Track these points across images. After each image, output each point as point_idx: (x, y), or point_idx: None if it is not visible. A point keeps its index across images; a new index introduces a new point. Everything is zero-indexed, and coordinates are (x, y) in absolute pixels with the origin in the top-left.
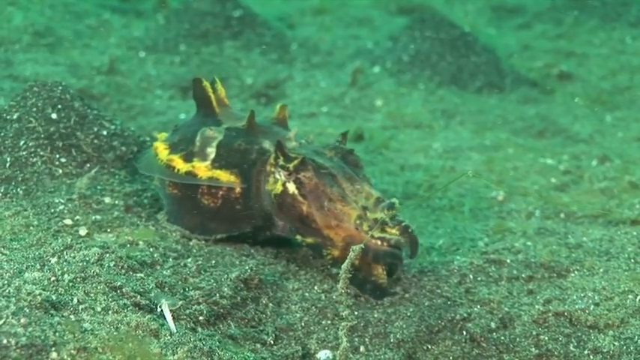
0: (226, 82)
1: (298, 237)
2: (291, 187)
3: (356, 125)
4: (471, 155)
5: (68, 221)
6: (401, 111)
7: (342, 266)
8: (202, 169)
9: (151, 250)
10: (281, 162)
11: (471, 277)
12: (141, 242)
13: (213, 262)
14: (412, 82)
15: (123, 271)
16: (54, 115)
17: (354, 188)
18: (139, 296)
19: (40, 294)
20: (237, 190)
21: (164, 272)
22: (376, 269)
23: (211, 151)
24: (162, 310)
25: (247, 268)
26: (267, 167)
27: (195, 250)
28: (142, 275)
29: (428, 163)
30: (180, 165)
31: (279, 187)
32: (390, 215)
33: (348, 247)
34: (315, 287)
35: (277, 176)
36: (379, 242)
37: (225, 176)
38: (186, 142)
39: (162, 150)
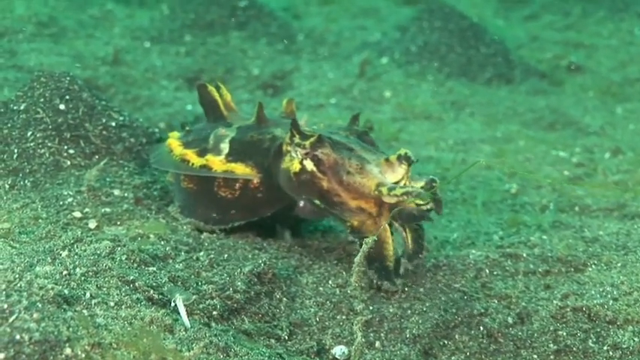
0: (232, 73)
1: (317, 202)
2: (309, 165)
3: (365, 116)
4: (482, 147)
5: (77, 214)
6: (410, 102)
7: (355, 259)
8: (217, 162)
9: (163, 243)
10: (297, 140)
11: (487, 271)
12: (152, 235)
13: (226, 255)
14: (421, 73)
15: (135, 264)
16: (62, 106)
17: (375, 158)
18: (152, 290)
19: (52, 288)
20: (256, 180)
21: (176, 266)
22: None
23: (225, 147)
24: (176, 305)
25: (260, 262)
26: (283, 147)
27: (207, 244)
28: (155, 269)
29: (439, 156)
30: (195, 159)
31: (296, 165)
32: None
33: (370, 218)
34: (330, 281)
35: (294, 154)
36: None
37: (240, 169)
38: (200, 140)
39: (176, 146)
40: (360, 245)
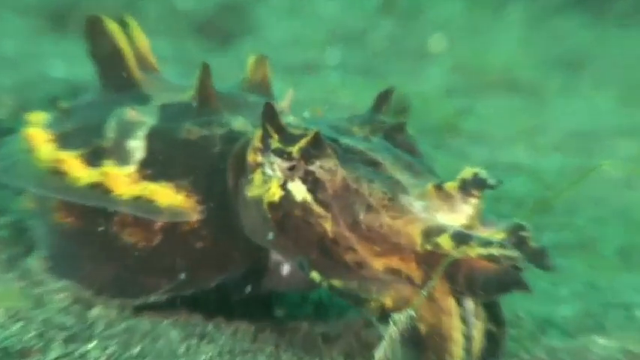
0: (140, 9)
1: (315, 275)
2: (299, 190)
3: (393, 88)
4: (616, 143)
5: None
6: (479, 59)
7: (377, 355)
8: (121, 180)
9: (20, 326)
10: (275, 144)
11: None
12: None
13: (138, 348)
14: (498, 3)
15: None
16: None
17: (418, 182)
18: None
19: None
20: (194, 216)
21: None
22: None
23: (137, 147)
24: None
25: None
26: (248, 156)
27: (101, 328)
28: None
29: (534, 163)
30: (80, 171)
31: (274, 192)
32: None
33: (412, 287)
34: None
35: (269, 171)
36: (477, 261)
37: (165, 195)
38: (89, 132)
39: (41, 143)
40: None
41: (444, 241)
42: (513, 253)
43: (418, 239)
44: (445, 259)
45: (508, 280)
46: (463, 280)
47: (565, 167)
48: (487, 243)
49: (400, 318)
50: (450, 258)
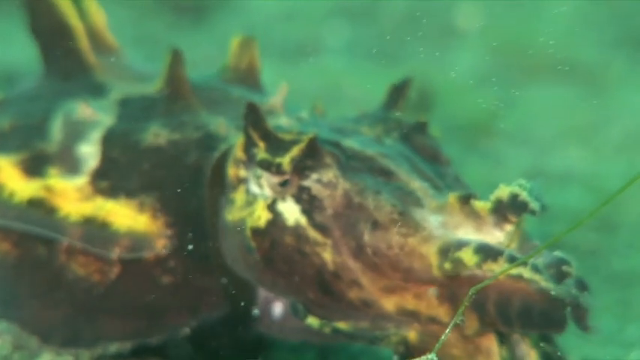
0: None
1: (313, 321)
2: (291, 211)
3: (412, 78)
4: None
5: None
6: (522, 38)
7: None
8: (70, 195)
9: None
10: (261, 154)
11: None
12: None
13: None
14: None
15: None
16: None
17: (434, 193)
18: None
19: None
20: (160, 243)
21: None
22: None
23: (90, 154)
24: None
25: None
26: (228, 171)
27: None
28: None
29: (591, 169)
30: (18, 183)
31: (260, 215)
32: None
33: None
34: None
35: (254, 188)
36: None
37: (125, 215)
38: (29, 132)
39: None
40: None
41: (467, 256)
42: (548, 283)
43: (434, 260)
44: (474, 282)
45: (554, 312)
46: (493, 307)
47: (631, 174)
48: (520, 262)
49: None
50: (485, 281)
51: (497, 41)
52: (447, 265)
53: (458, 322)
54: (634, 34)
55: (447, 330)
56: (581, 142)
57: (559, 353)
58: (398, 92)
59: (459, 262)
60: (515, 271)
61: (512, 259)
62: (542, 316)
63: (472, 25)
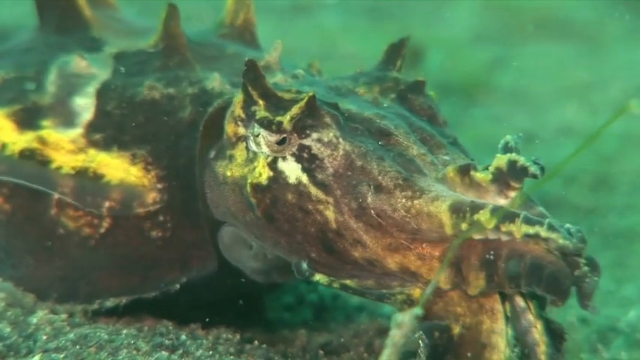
0: None
1: (321, 278)
2: (292, 169)
3: (408, 36)
4: None
5: None
6: None
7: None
8: (64, 147)
9: None
10: (261, 112)
11: None
12: None
13: None
14: None
15: None
16: None
17: (433, 159)
18: None
19: None
20: (151, 197)
21: None
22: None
23: (85, 106)
24: None
25: None
26: (226, 128)
27: (45, 338)
28: None
29: (589, 127)
30: (11, 134)
31: (261, 172)
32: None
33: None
34: None
35: (253, 146)
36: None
37: (117, 167)
38: (24, 85)
39: None
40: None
41: (485, 218)
42: (566, 239)
43: (447, 219)
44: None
45: (564, 275)
46: (504, 262)
47: (629, 132)
48: (537, 222)
49: (405, 318)
50: (470, 231)
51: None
52: (464, 226)
53: (437, 280)
54: None
55: (429, 287)
56: (578, 99)
57: (556, 322)
58: (395, 51)
59: (476, 224)
60: (532, 230)
61: (529, 221)
62: (551, 278)
63: None
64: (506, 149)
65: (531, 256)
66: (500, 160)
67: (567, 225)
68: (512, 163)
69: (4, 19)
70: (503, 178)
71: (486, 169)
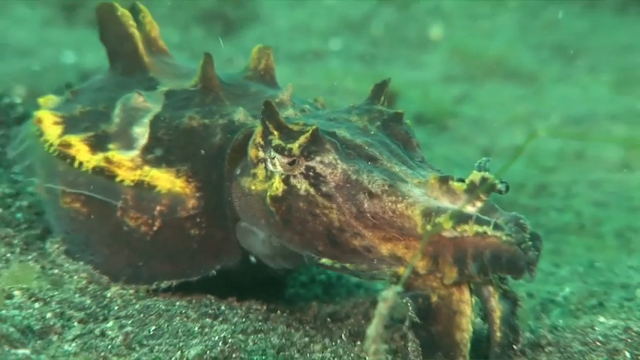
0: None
1: (326, 260)
2: (302, 184)
3: (393, 75)
4: (613, 128)
5: None
6: (477, 47)
7: (368, 331)
8: (125, 165)
9: (38, 306)
10: (275, 141)
11: (628, 355)
12: (17, 292)
13: (153, 328)
14: None
15: None
16: None
17: (415, 174)
18: None
19: None
20: (191, 203)
21: (66, 347)
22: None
23: (141, 133)
24: None
25: (216, 339)
26: (249, 152)
27: (117, 308)
28: (28, 353)
29: (532, 147)
30: (85, 155)
31: (277, 186)
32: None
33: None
34: None
35: (270, 167)
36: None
37: (166, 180)
38: (96, 116)
39: (49, 125)
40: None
41: (445, 221)
42: (510, 235)
43: (419, 220)
44: (442, 238)
45: (518, 258)
46: (471, 259)
47: (563, 151)
48: (485, 222)
49: (389, 294)
50: (433, 230)
51: (458, 50)
52: (429, 227)
53: (415, 262)
54: (562, 43)
55: (406, 271)
56: (524, 126)
57: (512, 291)
58: (379, 89)
59: (438, 225)
60: (481, 229)
61: (479, 221)
62: (509, 262)
63: (439, 37)
64: (480, 167)
65: (489, 250)
66: (475, 176)
67: (514, 213)
68: (484, 179)
69: (89, 63)
70: (475, 190)
71: (462, 180)
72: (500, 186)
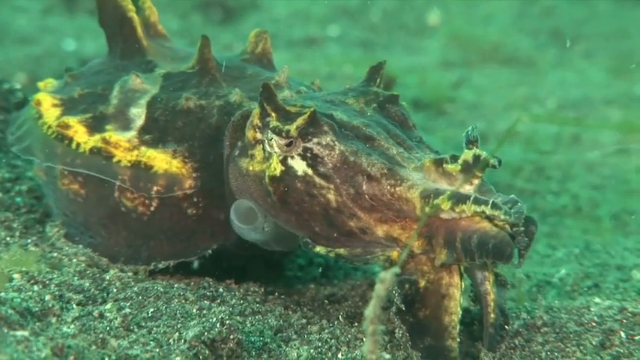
0: None
1: (320, 248)
2: (299, 165)
3: (392, 60)
4: (608, 112)
5: None
6: (475, 33)
7: (366, 312)
8: (122, 145)
9: (37, 289)
10: (273, 122)
11: (623, 335)
12: (16, 275)
13: (152, 310)
14: None
15: None
16: None
17: (412, 156)
18: None
19: None
20: (188, 183)
21: (64, 329)
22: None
23: (138, 114)
24: None
25: (214, 320)
26: (247, 134)
27: (115, 290)
28: (27, 334)
29: (530, 130)
30: (83, 136)
31: (275, 166)
32: (507, 219)
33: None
34: (339, 355)
35: (268, 147)
36: (470, 223)
37: (162, 160)
38: (94, 98)
39: (48, 108)
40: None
41: (443, 203)
42: (507, 214)
43: (418, 203)
44: (436, 220)
45: (505, 244)
46: (460, 243)
47: (560, 135)
48: (483, 202)
49: (386, 276)
50: (430, 212)
51: (458, 34)
52: (428, 209)
53: (412, 244)
54: (558, 26)
55: (404, 252)
56: (521, 110)
57: (502, 275)
58: (375, 72)
59: (436, 207)
60: (479, 209)
61: (477, 201)
62: (495, 248)
63: (436, 23)
64: (467, 136)
65: (477, 235)
66: (467, 155)
67: (512, 196)
68: (476, 157)
69: (90, 50)
70: (470, 169)
71: (455, 159)
72: (493, 161)
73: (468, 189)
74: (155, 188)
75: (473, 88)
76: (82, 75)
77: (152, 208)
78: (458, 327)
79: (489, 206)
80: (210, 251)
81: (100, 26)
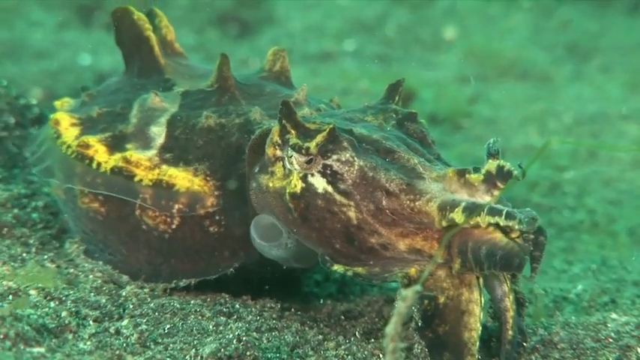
0: (171, 3)
1: (338, 267)
2: (319, 182)
3: (408, 75)
4: (625, 128)
5: None
6: (491, 47)
7: (387, 329)
8: (143, 164)
9: (54, 305)
10: (293, 140)
11: None
12: (33, 292)
13: (168, 326)
14: None
15: (8, 343)
16: None
17: (432, 168)
18: None
19: None
20: (210, 201)
21: (81, 345)
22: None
23: (158, 133)
24: None
25: (230, 337)
26: (267, 151)
27: (132, 306)
28: (43, 351)
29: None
30: (103, 156)
31: (295, 184)
32: (520, 229)
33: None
34: None
35: (288, 165)
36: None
37: (184, 178)
38: (113, 117)
39: (67, 127)
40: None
41: (457, 216)
42: (520, 224)
43: (436, 215)
44: (454, 232)
45: (513, 255)
46: (470, 252)
47: (576, 150)
48: (497, 212)
49: (408, 293)
50: (455, 230)
51: (474, 49)
52: (444, 222)
53: (437, 260)
54: (575, 44)
55: (428, 266)
56: (537, 125)
57: (521, 292)
58: (394, 89)
59: (452, 221)
60: (493, 220)
61: (491, 212)
62: (503, 260)
63: (453, 38)
64: (489, 149)
65: (486, 246)
66: (491, 165)
67: (527, 209)
68: (500, 168)
69: (106, 65)
70: (492, 180)
71: (477, 170)
72: (517, 172)
73: (487, 199)
74: (177, 207)
75: (489, 103)
76: (100, 94)
77: (173, 226)
78: (477, 343)
79: (503, 217)
80: (232, 269)
81: (116, 44)
